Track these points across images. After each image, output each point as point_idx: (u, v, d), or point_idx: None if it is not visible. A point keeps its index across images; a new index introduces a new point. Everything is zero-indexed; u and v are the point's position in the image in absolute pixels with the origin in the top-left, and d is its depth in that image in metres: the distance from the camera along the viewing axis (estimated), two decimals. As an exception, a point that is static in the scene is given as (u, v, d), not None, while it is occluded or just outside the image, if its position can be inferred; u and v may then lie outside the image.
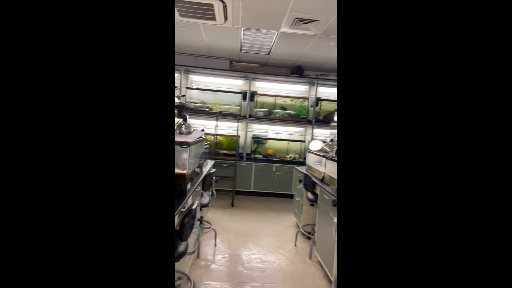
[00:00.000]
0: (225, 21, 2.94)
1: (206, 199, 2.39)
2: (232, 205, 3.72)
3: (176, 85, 4.22)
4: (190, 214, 1.46)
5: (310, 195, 2.54)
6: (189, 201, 1.68)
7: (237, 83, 4.53)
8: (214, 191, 2.52)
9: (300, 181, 2.74)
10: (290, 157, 4.52)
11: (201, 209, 2.35)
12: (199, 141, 1.92)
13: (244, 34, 3.33)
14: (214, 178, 2.45)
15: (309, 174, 2.53)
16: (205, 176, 2.29)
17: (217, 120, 4.05)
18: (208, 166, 2.75)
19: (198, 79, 4.49)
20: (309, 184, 2.47)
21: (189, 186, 1.63)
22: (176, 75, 4.27)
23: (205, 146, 2.57)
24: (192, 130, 1.55)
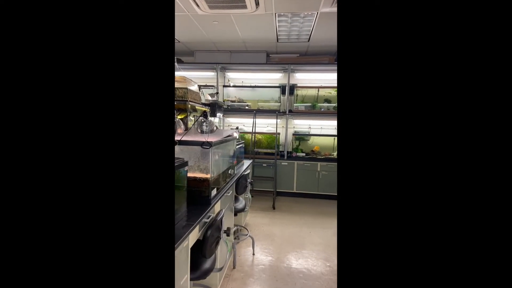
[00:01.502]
0: (256, 7, 2.68)
1: (241, 203, 2.18)
2: (273, 208, 3.46)
3: (212, 84, 4.15)
4: (214, 225, 1.25)
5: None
6: (216, 208, 1.47)
7: (275, 77, 4.25)
8: (250, 195, 2.30)
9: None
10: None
11: (235, 215, 2.15)
12: (227, 140, 1.71)
13: (279, 21, 3.04)
14: (248, 180, 2.22)
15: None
16: (239, 178, 2.08)
17: (254, 118, 3.84)
18: (244, 166, 2.55)
19: (235, 76, 4.34)
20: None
21: (214, 192, 1.43)
22: (212, 73, 4.19)
23: (238, 145, 2.36)
24: (215, 128, 1.35)
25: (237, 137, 2.54)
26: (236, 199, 2.20)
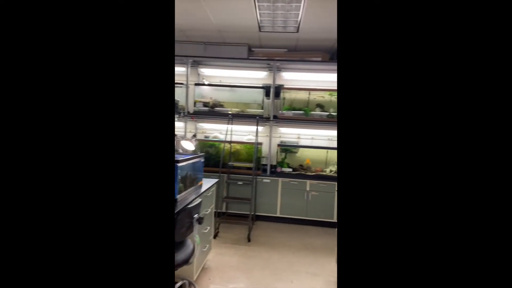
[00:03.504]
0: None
1: (184, 252, 1.42)
2: (248, 240, 2.70)
3: (182, 81, 3.43)
4: None
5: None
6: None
7: (258, 76, 3.57)
8: (198, 239, 1.54)
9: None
10: (330, 171, 3.35)
11: (176, 269, 1.39)
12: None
13: (258, 0, 2.36)
14: (195, 216, 1.47)
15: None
16: (178, 213, 1.33)
17: (228, 123, 3.12)
18: (203, 189, 1.80)
19: (211, 73, 3.64)
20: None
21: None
22: (183, 69, 3.48)
23: (191, 161, 1.62)
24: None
25: (192, 149, 1.79)
26: (179, 245, 1.44)
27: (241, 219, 2.95)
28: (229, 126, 3.15)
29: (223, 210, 3.19)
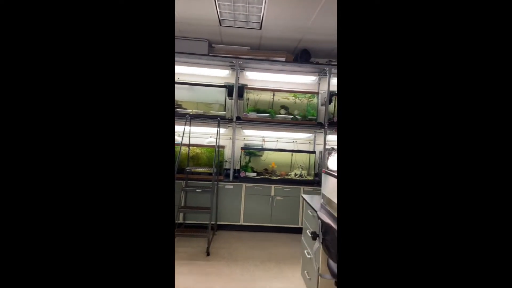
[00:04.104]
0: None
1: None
2: (208, 253, 2.44)
3: (133, 77, 3.05)
4: None
5: (334, 264, 1.26)
6: None
7: (220, 75, 3.34)
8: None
9: (313, 236, 1.44)
10: (295, 175, 3.24)
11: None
12: None
13: (218, -11, 2.15)
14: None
15: (330, 224, 1.25)
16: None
17: (185, 125, 2.84)
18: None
19: (167, 70, 3.30)
20: (333, 243, 1.20)
21: None
22: (134, 63, 3.10)
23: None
24: None
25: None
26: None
27: (200, 230, 2.67)
28: (188, 128, 2.87)
29: (180, 221, 2.88)
